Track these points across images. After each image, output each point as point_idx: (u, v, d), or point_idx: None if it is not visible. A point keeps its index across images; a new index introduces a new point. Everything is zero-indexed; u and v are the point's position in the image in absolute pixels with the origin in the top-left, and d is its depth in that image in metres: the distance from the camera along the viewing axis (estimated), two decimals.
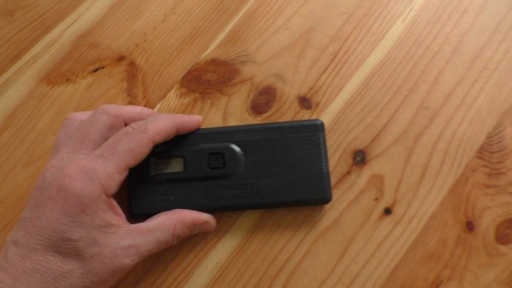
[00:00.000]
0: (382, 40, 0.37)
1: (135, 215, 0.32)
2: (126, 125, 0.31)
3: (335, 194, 0.33)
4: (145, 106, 0.37)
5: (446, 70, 0.36)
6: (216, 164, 0.32)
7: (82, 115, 0.32)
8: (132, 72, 0.38)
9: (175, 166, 0.32)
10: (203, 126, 0.35)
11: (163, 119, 0.31)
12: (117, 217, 0.29)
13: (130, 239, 0.28)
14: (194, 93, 0.37)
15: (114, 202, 0.29)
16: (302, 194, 0.31)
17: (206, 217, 0.32)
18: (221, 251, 0.33)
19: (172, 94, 0.37)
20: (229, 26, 0.38)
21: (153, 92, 0.37)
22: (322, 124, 0.33)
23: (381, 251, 0.32)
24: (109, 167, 0.28)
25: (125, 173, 0.29)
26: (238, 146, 0.32)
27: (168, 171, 0.32)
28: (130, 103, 0.37)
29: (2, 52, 0.39)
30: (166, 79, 0.37)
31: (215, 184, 0.32)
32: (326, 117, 0.35)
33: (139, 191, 0.32)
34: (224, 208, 0.32)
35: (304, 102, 0.36)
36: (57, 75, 0.38)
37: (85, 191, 0.26)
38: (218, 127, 0.34)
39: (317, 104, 0.35)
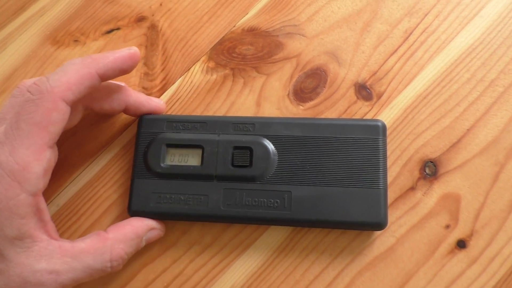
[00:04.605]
0: (476, 17, 0.32)
1: (135, 213, 0.29)
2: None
3: (392, 214, 0.29)
4: (163, 80, 0.33)
5: None
6: (241, 161, 0.28)
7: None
8: (152, 37, 0.34)
9: (191, 159, 0.29)
10: (231, 114, 0.31)
11: (73, 67, 0.25)
12: (40, 224, 0.24)
13: (47, 261, 0.23)
14: (224, 69, 0.32)
15: (41, 204, 0.24)
16: (348, 214, 0.27)
17: (150, 223, 0.28)
18: (238, 272, 0.29)
19: (197, 68, 0.33)
20: None
21: (174, 63, 0.33)
22: (383, 126, 0.28)
23: None
24: (19, 154, 0.23)
25: (46, 157, 0.24)
26: (272, 142, 0.29)
27: (181, 163, 0.29)
28: (146, 74, 0.33)
29: (4, 2, 0.36)
30: (192, 49, 0.33)
31: (238, 187, 0.28)
32: (390, 113, 0.31)
33: (143, 184, 0.29)
34: (246, 220, 0.28)
35: (363, 91, 0.31)
36: (64, 35, 0.34)
37: None
38: (248, 117, 0.31)
39: (380, 95, 0.31)
